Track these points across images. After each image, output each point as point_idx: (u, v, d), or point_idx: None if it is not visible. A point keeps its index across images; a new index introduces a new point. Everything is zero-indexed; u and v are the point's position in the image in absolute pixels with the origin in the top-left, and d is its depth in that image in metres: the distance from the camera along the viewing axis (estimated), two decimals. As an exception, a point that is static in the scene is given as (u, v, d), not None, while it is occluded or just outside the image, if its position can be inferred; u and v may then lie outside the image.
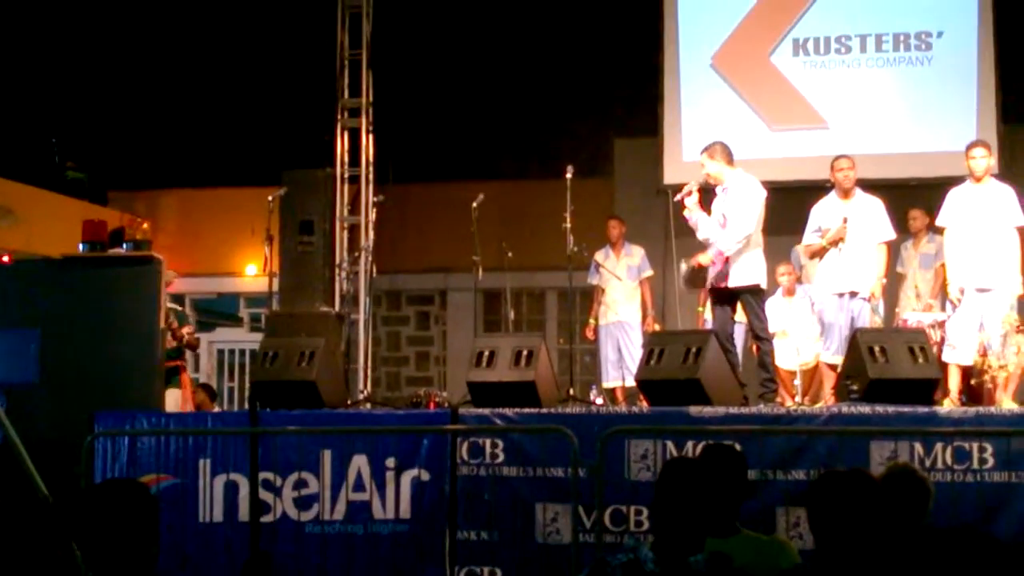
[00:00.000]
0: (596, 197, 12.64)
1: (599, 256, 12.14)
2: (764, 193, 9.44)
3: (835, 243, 9.64)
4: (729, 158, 9.47)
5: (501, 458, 8.14)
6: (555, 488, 7.91)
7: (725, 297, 9.49)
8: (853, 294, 9.64)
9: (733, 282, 9.37)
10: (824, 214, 9.81)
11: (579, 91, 13.88)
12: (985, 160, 9.50)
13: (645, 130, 13.73)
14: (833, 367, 9.69)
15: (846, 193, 9.77)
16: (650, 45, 13.60)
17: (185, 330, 10.71)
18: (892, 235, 9.84)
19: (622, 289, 12.08)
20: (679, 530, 4.15)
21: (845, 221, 9.60)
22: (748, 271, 9.38)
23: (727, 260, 9.32)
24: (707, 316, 11.68)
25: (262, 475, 8.20)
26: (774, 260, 11.48)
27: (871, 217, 9.71)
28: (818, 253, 9.83)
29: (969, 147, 9.64)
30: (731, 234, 9.30)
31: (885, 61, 13.34)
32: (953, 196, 9.63)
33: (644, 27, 13.62)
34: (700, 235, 9.52)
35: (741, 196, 9.38)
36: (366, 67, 13.78)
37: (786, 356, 10.94)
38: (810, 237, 9.91)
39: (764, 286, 9.57)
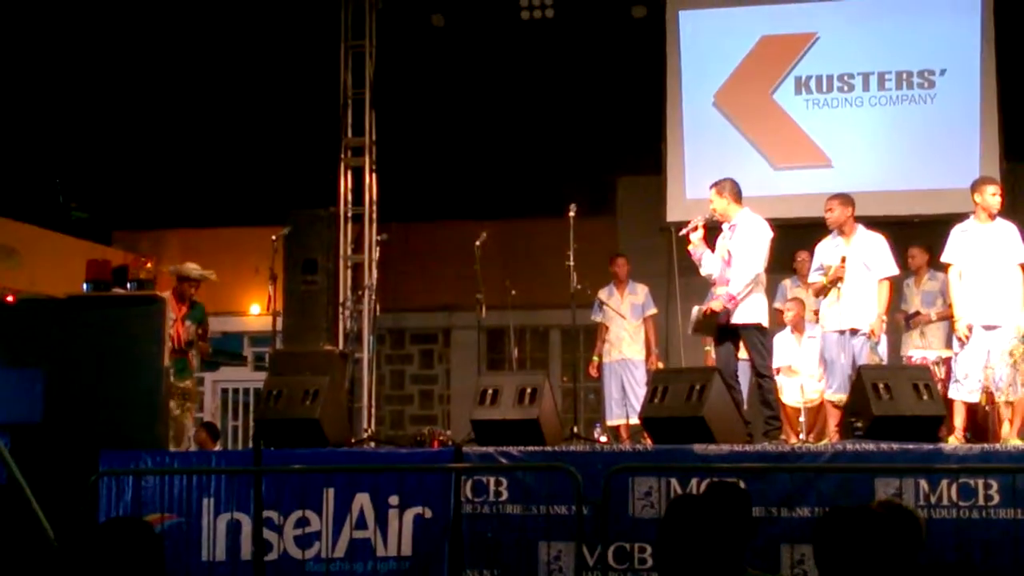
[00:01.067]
0: (599, 235, 12.66)
1: (603, 294, 12.15)
2: (771, 233, 9.48)
3: (835, 282, 9.65)
4: (737, 196, 9.53)
5: (505, 496, 8.14)
6: (558, 526, 7.89)
7: (728, 334, 9.50)
8: (854, 331, 9.63)
9: (736, 320, 9.38)
10: (825, 253, 9.85)
11: (582, 129, 13.92)
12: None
13: (648, 168, 13.76)
14: (836, 404, 9.69)
15: (844, 232, 9.80)
16: (653, 83, 13.65)
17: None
18: (894, 271, 9.85)
19: (626, 327, 12.09)
20: (685, 569, 4.13)
21: (843, 260, 9.62)
22: (751, 309, 9.40)
23: (732, 297, 9.35)
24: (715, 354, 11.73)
25: (264, 513, 8.18)
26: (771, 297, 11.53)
27: (872, 254, 9.72)
28: (821, 291, 9.84)
29: (985, 183, 9.64)
30: (740, 275, 9.33)
31: (888, 99, 13.36)
32: (958, 233, 9.64)
33: (647, 66, 13.67)
34: (703, 271, 9.56)
35: (748, 235, 9.42)
36: (369, 106, 13.83)
37: (791, 393, 10.94)
38: (814, 276, 9.95)
39: (766, 324, 9.58)
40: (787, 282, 11.90)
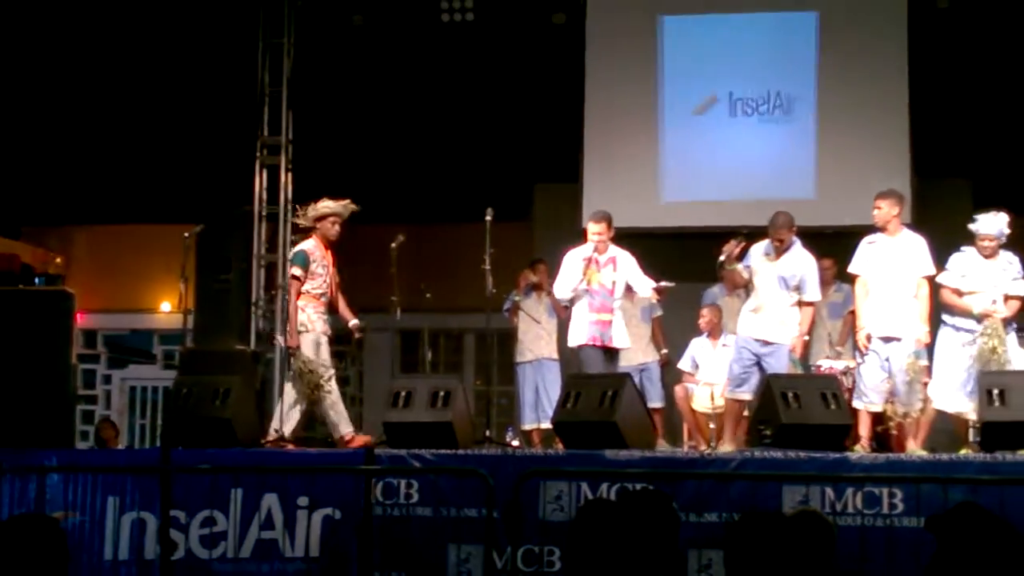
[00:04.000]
0: (515, 240, 12.67)
1: (517, 295, 12.14)
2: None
3: (731, 259, 9.86)
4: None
5: (415, 498, 8.14)
6: (468, 528, 7.92)
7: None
8: (767, 343, 9.79)
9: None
10: (757, 258, 9.98)
11: (501, 135, 13.93)
12: (880, 212, 9.70)
13: (565, 176, 13.79)
14: (738, 401, 9.95)
15: (780, 247, 9.91)
16: (574, 91, 13.69)
17: None
18: (818, 297, 10.03)
19: (545, 327, 12.08)
20: (593, 573, 4.15)
21: (751, 274, 9.88)
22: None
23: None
24: (622, 363, 11.81)
25: (170, 513, 8.10)
26: (694, 305, 11.63)
27: (802, 276, 9.87)
28: (740, 285, 10.08)
29: (874, 198, 9.84)
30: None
31: (802, 116, 13.49)
32: (864, 245, 9.81)
33: (567, 73, 13.71)
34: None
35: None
36: (286, 104, 13.74)
37: (702, 399, 11.02)
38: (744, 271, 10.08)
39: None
40: (715, 289, 12.01)
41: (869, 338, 9.54)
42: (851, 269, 9.89)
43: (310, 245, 9.88)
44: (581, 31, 13.70)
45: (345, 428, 9.58)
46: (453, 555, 7.96)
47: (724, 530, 7.46)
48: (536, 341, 12.07)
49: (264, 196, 13.75)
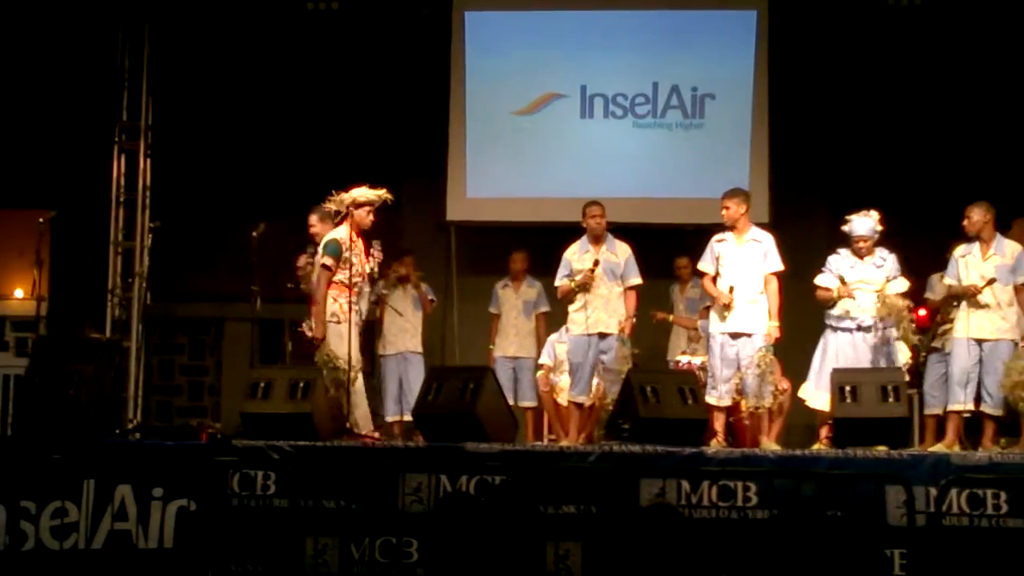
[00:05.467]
0: (382, 231, 12.59)
1: (381, 286, 12.08)
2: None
3: (584, 287, 9.92)
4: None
5: (273, 490, 8.05)
6: (326, 520, 7.86)
7: None
8: (603, 335, 9.98)
9: None
10: (576, 258, 10.23)
11: (368, 129, 13.80)
12: (729, 211, 9.88)
13: (433, 169, 13.75)
14: (580, 405, 10.13)
15: (597, 239, 10.16)
16: (440, 83, 13.66)
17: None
18: (639, 280, 10.20)
19: (410, 320, 12.04)
20: (452, 564, 4.16)
21: (596, 264, 10.02)
22: None
23: None
24: (497, 353, 11.85)
25: (20, 503, 7.93)
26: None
27: (622, 262, 10.19)
28: (568, 294, 10.14)
29: (721, 198, 10.04)
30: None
31: (664, 116, 13.62)
32: (714, 242, 10.00)
33: (434, 65, 13.67)
34: None
35: None
36: (145, 89, 13.49)
37: (566, 392, 11.08)
38: (561, 280, 10.24)
39: None
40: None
41: (721, 334, 9.72)
42: (700, 266, 10.10)
43: (342, 233, 9.65)
44: (447, 22, 13.68)
45: (364, 427, 9.47)
46: (310, 547, 7.90)
47: (581, 522, 7.59)
48: (400, 334, 12.02)
49: (122, 182, 13.49)
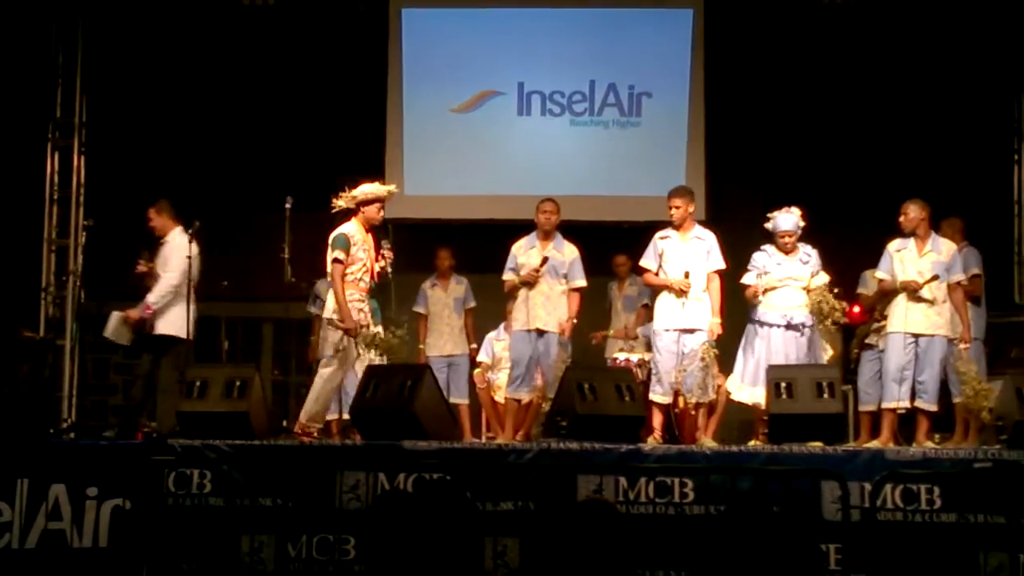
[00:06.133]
0: (315, 229, 12.52)
1: (321, 287, 12.03)
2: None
3: (529, 282, 9.95)
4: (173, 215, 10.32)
5: (208, 488, 8.00)
6: (262, 519, 7.82)
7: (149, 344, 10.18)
8: (540, 332, 10.05)
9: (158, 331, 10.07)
10: (522, 252, 10.28)
11: (302, 126, 13.72)
12: (679, 210, 9.94)
13: (369, 168, 13.68)
14: (518, 402, 10.16)
15: (546, 235, 10.18)
16: (377, 85, 13.61)
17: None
18: (583, 283, 10.28)
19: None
20: (390, 562, 4.15)
21: (544, 262, 10.07)
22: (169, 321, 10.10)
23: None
24: (430, 353, 11.81)
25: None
26: (486, 297, 11.69)
27: (568, 262, 10.22)
28: (512, 291, 10.17)
29: (668, 196, 10.08)
30: (159, 287, 10.09)
31: (601, 113, 13.66)
32: (657, 239, 10.04)
33: (371, 68, 13.62)
34: None
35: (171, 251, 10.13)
36: (79, 87, 13.37)
37: (504, 390, 11.09)
38: (508, 274, 10.27)
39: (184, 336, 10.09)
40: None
41: (664, 332, 9.81)
42: (643, 263, 10.14)
43: (351, 228, 9.54)
44: (384, 19, 13.64)
45: (310, 419, 9.40)
46: (246, 545, 7.86)
47: (519, 519, 7.60)
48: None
49: (56, 179, 13.36)
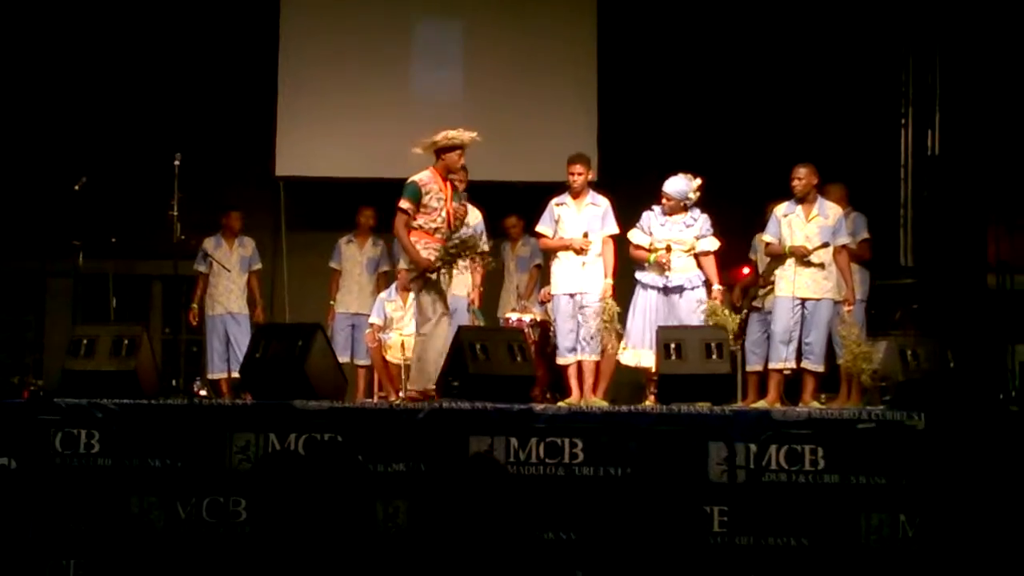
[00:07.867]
0: (206, 185, 12.39)
1: (208, 244, 11.94)
2: None
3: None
4: None
5: (97, 448, 7.91)
6: (152, 479, 7.76)
7: None
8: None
9: None
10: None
11: (192, 77, 13.54)
12: (581, 177, 10.02)
13: (260, 121, 13.55)
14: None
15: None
16: (268, 39, 13.47)
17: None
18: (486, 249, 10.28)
19: (235, 280, 11.92)
20: (278, 522, 4.14)
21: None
22: None
23: None
24: (338, 309, 11.79)
25: None
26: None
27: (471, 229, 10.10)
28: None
29: (568, 162, 10.12)
30: None
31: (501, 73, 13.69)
32: (553, 205, 10.11)
33: (260, 19, 13.48)
34: None
35: None
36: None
37: (395, 350, 11.09)
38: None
39: None
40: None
41: (557, 295, 9.90)
42: (539, 228, 10.20)
43: (425, 177, 9.17)
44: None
45: (423, 384, 9.13)
46: (135, 505, 7.79)
47: (410, 480, 7.63)
48: (227, 294, 11.92)
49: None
